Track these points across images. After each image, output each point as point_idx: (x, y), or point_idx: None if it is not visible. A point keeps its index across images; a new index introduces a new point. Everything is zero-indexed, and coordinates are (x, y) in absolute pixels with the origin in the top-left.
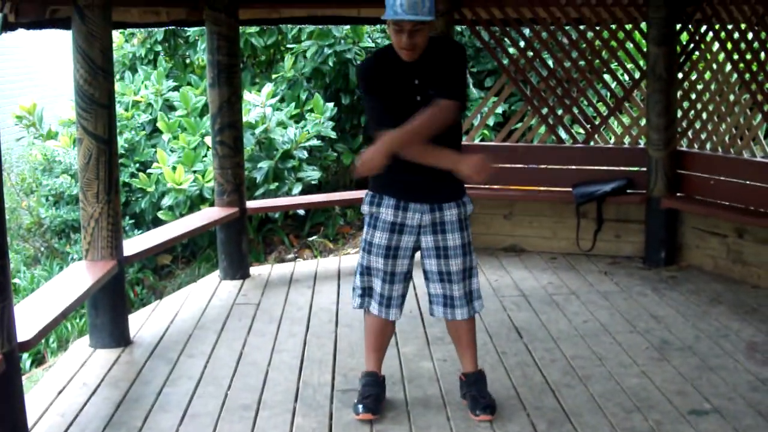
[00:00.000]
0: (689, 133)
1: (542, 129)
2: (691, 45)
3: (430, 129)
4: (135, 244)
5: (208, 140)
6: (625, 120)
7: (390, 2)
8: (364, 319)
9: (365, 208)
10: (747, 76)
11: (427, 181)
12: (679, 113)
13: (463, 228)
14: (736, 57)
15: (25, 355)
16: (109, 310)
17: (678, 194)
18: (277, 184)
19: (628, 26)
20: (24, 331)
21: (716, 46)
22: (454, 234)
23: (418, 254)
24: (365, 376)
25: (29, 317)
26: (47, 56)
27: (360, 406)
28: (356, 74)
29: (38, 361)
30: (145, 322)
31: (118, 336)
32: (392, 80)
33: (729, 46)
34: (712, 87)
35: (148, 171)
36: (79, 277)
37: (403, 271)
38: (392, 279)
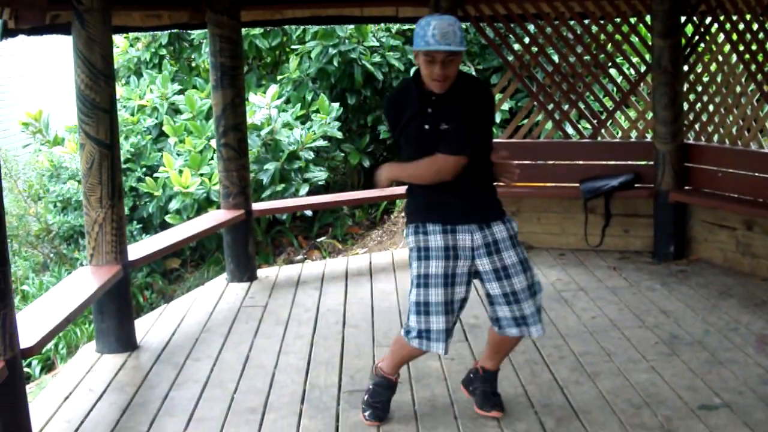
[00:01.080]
0: (696, 126)
1: (549, 125)
2: (696, 37)
3: (426, 178)
4: (140, 248)
5: (214, 143)
6: (632, 114)
7: (420, 33)
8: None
9: (411, 241)
10: (753, 67)
11: (470, 201)
12: (686, 106)
13: (516, 244)
14: (741, 48)
15: (34, 362)
16: (114, 315)
17: (686, 187)
18: (283, 185)
19: (633, 19)
20: (27, 338)
21: (721, 37)
22: (509, 251)
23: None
24: (379, 377)
25: (33, 324)
26: (53, 62)
27: (369, 413)
28: (384, 107)
29: (48, 367)
30: (151, 327)
31: (124, 341)
32: (407, 109)
33: (734, 37)
34: (718, 79)
35: (155, 175)
36: (83, 282)
37: (460, 299)
38: (451, 309)
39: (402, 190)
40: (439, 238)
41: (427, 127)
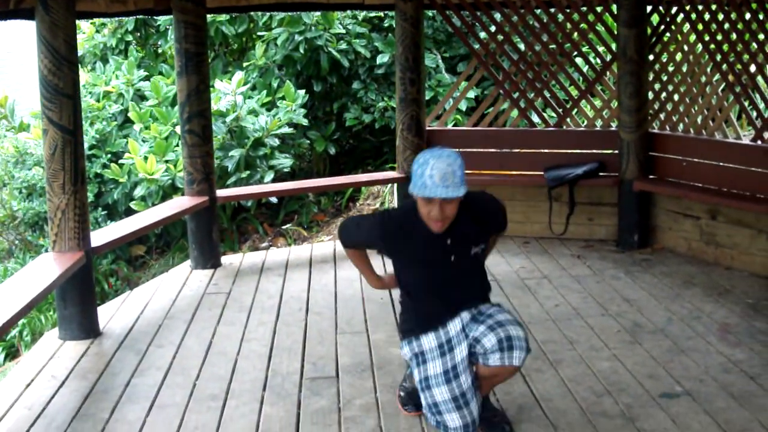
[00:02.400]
0: (661, 115)
1: (514, 113)
2: (662, 26)
3: None
4: (103, 234)
5: (179, 130)
6: (597, 103)
7: (418, 172)
8: None
9: (406, 353)
10: (718, 57)
11: (461, 304)
12: (651, 95)
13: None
14: (707, 38)
15: None
16: (77, 302)
17: (650, 176)
18: (248, 172)
19: (599, 8)
20: None
21: (687, 27)
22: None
23: None
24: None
25: None
26: (18, 47)
27: (410, 407)
28: (376, 229)
29: (12, 354)
30: (114, 313)
31: (87, 327)
32: (417, 243)
33: (700, 26)
34: (684, 68)
35: (120, 161)
36: (45, 268)
37: (471, 386)
38: (465, 400)
39: (364, 177)
40: (432, 339)
41: (453, 258)
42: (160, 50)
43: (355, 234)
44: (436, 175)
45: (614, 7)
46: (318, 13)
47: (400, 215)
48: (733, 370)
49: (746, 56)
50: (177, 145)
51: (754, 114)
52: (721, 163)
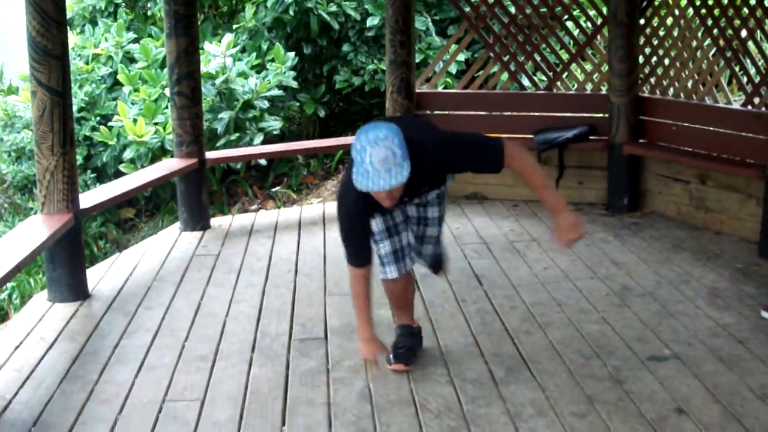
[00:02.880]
0: (651, 80)
1: (504, 76)
2: None
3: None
4: (92, 196)
5: (169, 92)
6: (587, 66)
7: (357, 159)
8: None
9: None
10: (709, 21)
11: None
12: (641, 59)
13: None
14: (698, 2)
15: None
16: (66, 264)
17: (640, 140)
18: (238, 134)
19: None
20: None
21: None
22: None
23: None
24: (399, 327)
25: None
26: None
27: (391, 356)
28: (338, 211)
29: (2, 318)
30: (103, 276)
31: (76, 289)
32: (380, 212)
33: None
34: (674, 33)
35: (110, 124)
36: (34, 230)
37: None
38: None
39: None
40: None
41: (406, 198)
42: (149, 12)
43: (351, 242)
44: (375, 162)
45: None
46: None
47: (357, 199)
48: (722, 334)
49: (737, 21)
50: (166, 108)
51: (745, 79)
52: (711, 128)
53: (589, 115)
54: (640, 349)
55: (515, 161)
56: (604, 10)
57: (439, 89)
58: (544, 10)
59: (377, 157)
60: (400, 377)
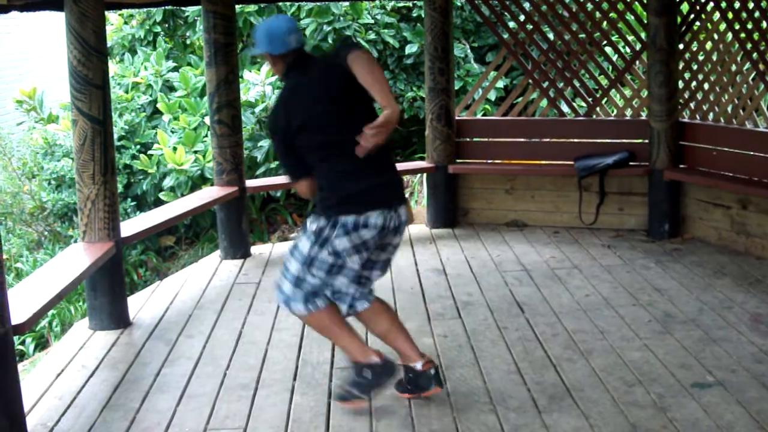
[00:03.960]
0: (691, 104)
1: (543, 102)
2: (692, 15)
3: None
4: (133, 225)
5: (208, 120)
6: (627, 92)
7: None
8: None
9: (344, 241)
10: (749, 45)
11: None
12: (681, 84)
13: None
14: (737, 26)
15: (28, 340)
16: (107, 292)
17: (681, 166)
18: (278, 162)
19: None
20: (18, 314)
21: (717, 15)
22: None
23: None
24: (374, 367)
25: (24, 300)
26: (47, 39)
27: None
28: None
29: (42, 345)
30: (144, 304)
31: (117, 317)
32: None
33: (730, 15)
34: (714, 57)
35: (149, 152)
36: (75, 259)
37: None
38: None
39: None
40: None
41: None
42: (188, 41)
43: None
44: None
45: None
46: (346, 3)
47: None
48: (765, 360)
49: None
50: (206, 136)
51: None
52: (751, 153)
53: (629, 141)
54: (684, 376)
55: (356, 65)
56: (643, 35)
57: (479, 116)
58: (583, 35)
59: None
60: (443, 405)
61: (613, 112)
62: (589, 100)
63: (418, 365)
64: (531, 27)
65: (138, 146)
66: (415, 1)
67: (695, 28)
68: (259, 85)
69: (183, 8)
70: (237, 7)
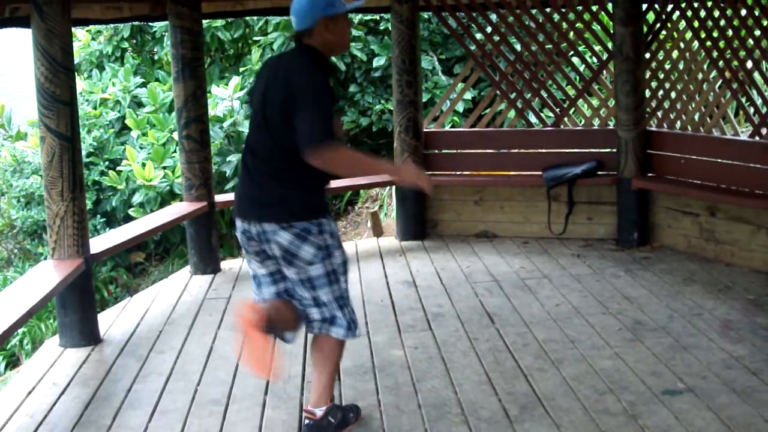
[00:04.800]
0: (658, 113)
1: (511, 113)
2: (658, 24)
3: None
4: (102, 241)
5: (177, 136)
6: (594, 102)
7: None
8: (338, 348)
9: (327, 237)
10: (714, 53)
11: None
12: (648, 93)
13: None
14: (703, 35)
15: None
16: (77, 309)
17: (649, 174)
18: None
19: (594, 7)
20: None
21: (683, 24)
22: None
23: None
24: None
25: None
26: (14, 56)
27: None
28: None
29: (13, 363)
30: (115, 320)
31: (87, 334)
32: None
33: (696, 23)
34: (680, 66)
35: (118, 168)
36: (45, 276)
37: None
38: None
39: (362, 180)
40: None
41: None
42: (156, 57)
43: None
44: None
45: (610, 6)
46: None
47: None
48: (736, 366)
49: (742, 52)
50: (174, 152)
51: (752, 110)
52: (719, 160)
53: (597, 150)
54: (654, 383)
55: (320, 163)
56: (610, 45)
57: (447, 128)
58: (550, 46)
59: None
60: (414, 417)
61: (580, 122)
62: (557, 110)
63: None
64: (498, 38)
65: (107, 162)
66: (382, 14)
67: (661, 36)
68: (227, 99)
69: (150, 24)
70: (204, 22)
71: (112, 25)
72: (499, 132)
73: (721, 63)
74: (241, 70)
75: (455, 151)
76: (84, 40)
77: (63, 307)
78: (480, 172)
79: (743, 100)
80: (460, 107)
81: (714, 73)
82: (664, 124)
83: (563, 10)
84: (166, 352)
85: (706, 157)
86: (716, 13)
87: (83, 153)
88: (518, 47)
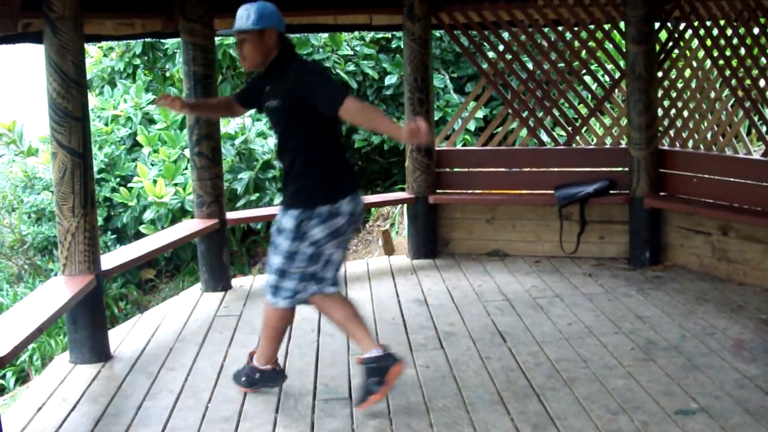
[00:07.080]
0: (671, 132)
1: (523, 132)
2: (670, 43)
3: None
4: (113, 258)
5: (188, 153)
6: (606, 120)
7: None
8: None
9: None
10: (727, 72)
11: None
12: (660, 112)
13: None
14: (715, 54)
15: (8, 374)
16: (88, 325)
17: (661, 193)
18: (258, 194)
19: (607, 26)
20: None
21: (695, 43)
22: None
23: None
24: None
25: (4, 334)
26: (26, 72)
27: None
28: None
29: (23, 379)
30: (125, 337)
31: (98, 351)
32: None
33: (708, 42)
34: (693, 84)
35: (129, 185)
36: (56, 292)
37: None
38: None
39: (374, 199)
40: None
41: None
42: (168, 73)
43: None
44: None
45: (622, 25)
46: (325, 35)
47: None
48: (748, 386)
49: (755, 71)
50: (186, 169)
51: (764, 129)
52: (731, 179)
53: (609, 169)
54: (667, 403)
55: (349, 116)
56: (622, 63)
57: (459, 147)
58: (562, 65)
59: (237, 16)
60: None
61: (592, 140)
62: (569, 129)
63: (378, 351)
64: (510, 57)
65: (118, 179)
66: (394, 32)
67: (674, 55)
68: (239, 117)
69: (162, 41)
70: (216, 39)
71: (124, 42)
72: (511, 151)
73: (733, 81)
74: None
75: (467, 169)
76: (96, 57)
77: (73, 324)
78: (492, 190)
79: (756, 118)
80: (471, 126)
81: (726, 92)
82: (677, 143)
83: (576, 28)
84: (176, 370)
85: (719, 176)
86: (729, 32)
87: (95, 169)
88: (530, 66)
